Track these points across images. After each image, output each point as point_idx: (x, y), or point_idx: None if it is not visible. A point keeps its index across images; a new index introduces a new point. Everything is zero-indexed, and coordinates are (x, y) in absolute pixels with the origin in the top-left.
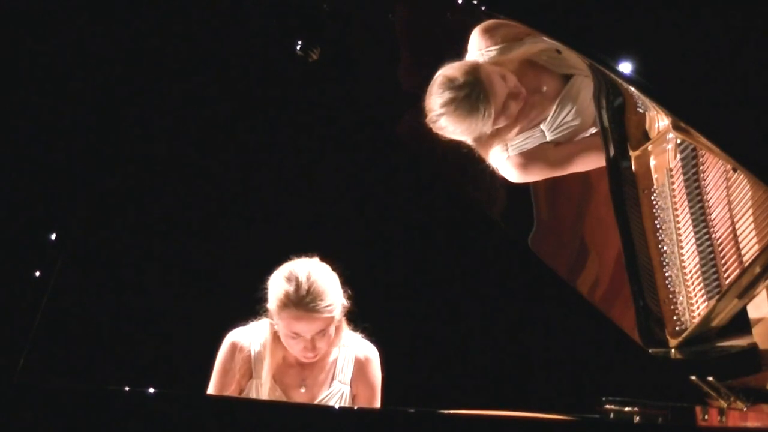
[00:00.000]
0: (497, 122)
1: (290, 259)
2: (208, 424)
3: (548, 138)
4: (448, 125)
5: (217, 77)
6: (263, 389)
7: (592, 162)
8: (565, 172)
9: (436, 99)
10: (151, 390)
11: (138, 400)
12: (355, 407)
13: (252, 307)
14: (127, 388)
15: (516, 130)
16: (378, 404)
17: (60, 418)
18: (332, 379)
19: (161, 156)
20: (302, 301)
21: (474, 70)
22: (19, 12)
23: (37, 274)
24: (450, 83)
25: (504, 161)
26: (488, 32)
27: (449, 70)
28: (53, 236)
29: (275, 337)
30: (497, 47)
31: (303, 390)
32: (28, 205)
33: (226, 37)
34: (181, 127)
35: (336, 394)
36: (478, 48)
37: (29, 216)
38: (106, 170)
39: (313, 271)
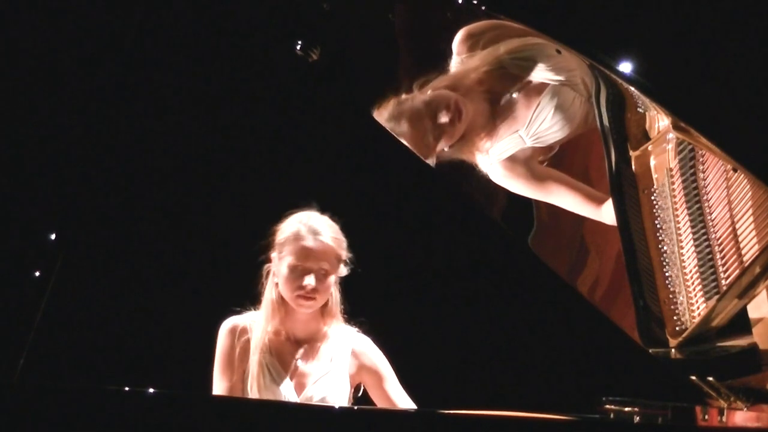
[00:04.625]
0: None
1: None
2: (207, 424)
3: (528, 144)
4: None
5: (217, 77)
6: (253, 360)
7: (573, 203)
8: (544, 196)
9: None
10: (151, 390)
11: (138, 400)
12: (355, 407)
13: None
14: (127, 388)
15: (490, 139)
16: (394, 384)
17: (60, 418)
18: (327, 356)
19: (160, 156)
20: (315, 232)
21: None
22: (18, 12)
23: (37, 274)
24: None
25: (488, 167)
26: (467, 40)
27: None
28: (53, 236)
29: (278, 299)
30: (470, 54)
31: (299, 362)
32: (28, 205)
33: (227, 36)
34: (181, 128)
35: (333, 372)
36: (458, 54)
37: (29, 216)
38: (105, 170)
39: (321, 215)
